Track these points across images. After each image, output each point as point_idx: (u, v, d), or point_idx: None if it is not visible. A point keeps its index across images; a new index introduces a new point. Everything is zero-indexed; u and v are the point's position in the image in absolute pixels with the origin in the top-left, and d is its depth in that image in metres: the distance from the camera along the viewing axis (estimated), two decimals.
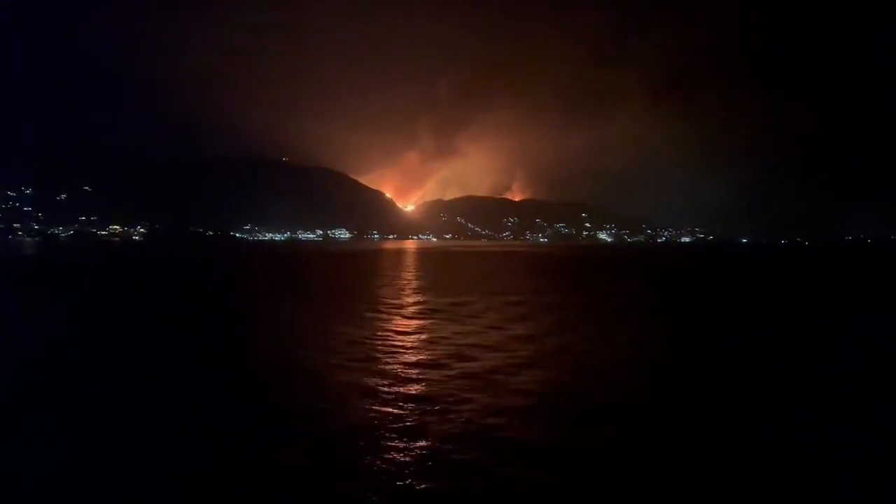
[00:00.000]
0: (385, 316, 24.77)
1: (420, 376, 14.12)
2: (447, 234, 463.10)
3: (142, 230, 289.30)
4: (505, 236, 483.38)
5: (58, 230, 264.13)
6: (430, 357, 16.35)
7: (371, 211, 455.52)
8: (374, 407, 11.55)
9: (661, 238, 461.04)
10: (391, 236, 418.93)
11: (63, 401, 11.93)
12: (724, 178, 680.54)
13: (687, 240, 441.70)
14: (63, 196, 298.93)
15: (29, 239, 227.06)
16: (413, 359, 16.16)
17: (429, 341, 18.86)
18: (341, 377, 13.93)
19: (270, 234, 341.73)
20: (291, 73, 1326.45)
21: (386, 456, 9.10)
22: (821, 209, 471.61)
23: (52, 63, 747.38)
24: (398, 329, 21.28)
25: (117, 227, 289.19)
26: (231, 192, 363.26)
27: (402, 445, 9.53)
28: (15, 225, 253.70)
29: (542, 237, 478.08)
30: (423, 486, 8.14)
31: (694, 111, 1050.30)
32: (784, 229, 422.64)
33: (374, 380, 13.63)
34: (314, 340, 18.96)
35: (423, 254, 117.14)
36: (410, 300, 30.95)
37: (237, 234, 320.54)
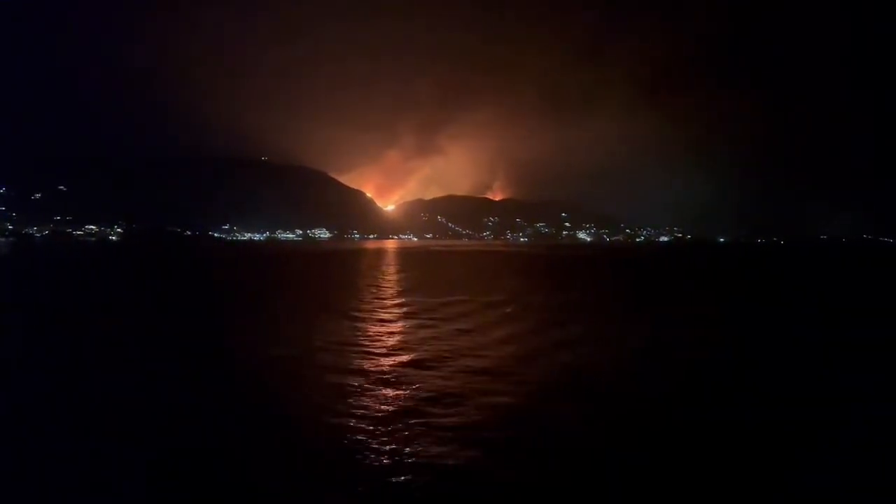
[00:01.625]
0: (341, 319, 25.17)
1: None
2: (428, 234, 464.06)
3: (119, 230, 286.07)
4: (485, 236, 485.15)
5: (32, 230, 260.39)
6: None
7: (351, 210, 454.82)
8: None
9: (639, 238, 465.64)
10: (371, 236, 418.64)
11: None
12: (702, 178, 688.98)
13: (665, 239, 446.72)
14: (38, 195, 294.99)
15: (3, 239, 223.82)
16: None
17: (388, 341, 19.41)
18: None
19: (249, 234, 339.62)
20: (271, 71, 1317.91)
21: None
22: (796, 209, 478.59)
23: (25, 61, 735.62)
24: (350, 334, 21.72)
25: (93, 226, 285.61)
26: (209, 191, 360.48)
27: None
28: None
29: (523, 237, 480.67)
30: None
31: (675, 111, 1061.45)
32: (761, 229, 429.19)
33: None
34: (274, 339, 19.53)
35: (403, 253, 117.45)
36: (377, 302, 31.34)
37: (216, 234, 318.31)
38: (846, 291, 41.45)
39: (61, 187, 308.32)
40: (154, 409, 11.67)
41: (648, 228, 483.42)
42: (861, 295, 38.88)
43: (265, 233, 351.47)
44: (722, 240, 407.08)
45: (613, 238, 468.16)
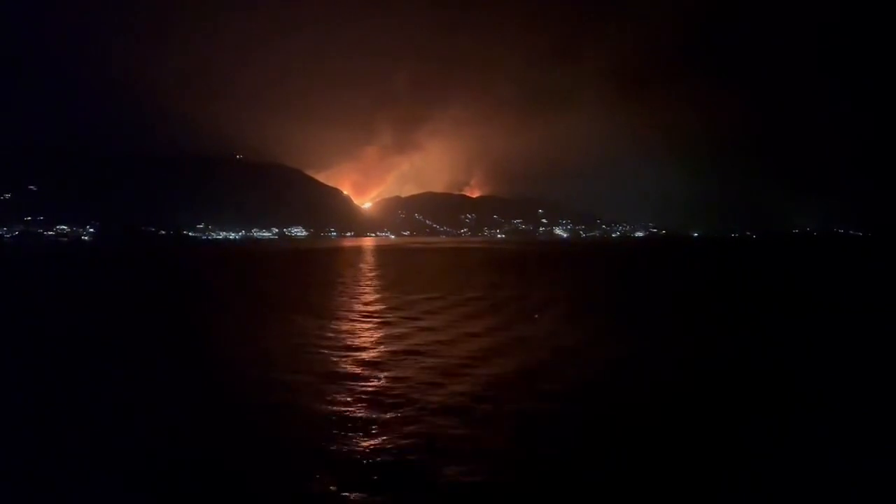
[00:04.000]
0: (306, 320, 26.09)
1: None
2: (405, 231, 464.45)
3: (91, 230, 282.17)
4: (463, 233, 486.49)
5: (2, 231, 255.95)
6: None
7: (328, 208, 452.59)
8: None
9: (615, 233, 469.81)
10: (348, 234, 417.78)
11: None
12: (677, 174, 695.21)
13: (641, 234, 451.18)
14: (7, 195, 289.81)
15: None
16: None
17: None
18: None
19: (225, 233, 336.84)
20: (245, 68, 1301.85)
21: None
22: (768, 204, 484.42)
23: None
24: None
25: (65, 227, 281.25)
26: (183, 190, 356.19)
27: None
28: None
29: (500, 233, 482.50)
30: None
31: (651, 108, 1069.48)
32: (734, 223, 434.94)
33: None
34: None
35: (379, 251, 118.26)
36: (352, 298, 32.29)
37: (190, 234, 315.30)
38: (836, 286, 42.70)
39: (32, 187, 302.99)
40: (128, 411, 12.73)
41: (624, 224, 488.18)
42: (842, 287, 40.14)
43: (241, 231, 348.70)
44: (696, 234, 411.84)
45: (589, 234, 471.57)
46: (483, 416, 11.86)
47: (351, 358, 17.34)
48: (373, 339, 20.33)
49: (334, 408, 12.32)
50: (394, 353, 17.97)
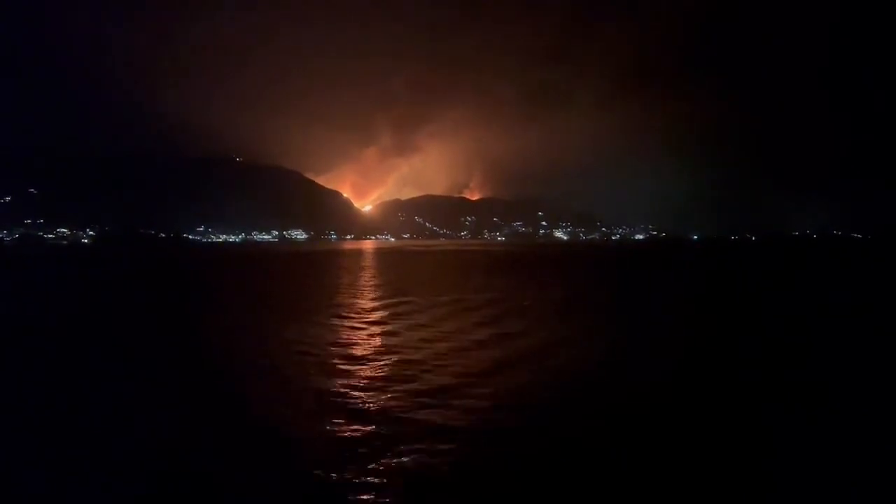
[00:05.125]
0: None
1: None
2: (405, 234, 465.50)
3: (91, 233, 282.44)
4: (463, 235, 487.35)
5: (2, 234, 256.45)
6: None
7: (328, 211, 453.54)
8: None
9: (615, 235, 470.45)
10: (348, 236, 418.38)
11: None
12: (677, 176, 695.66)
13: (640, 237, 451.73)
14: (7, 199, 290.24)
15: None
16: None
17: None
18: None
19: (224, 236, 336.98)
20: (245, 69, 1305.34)
21: None
22: (768, 206, 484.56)
23: None
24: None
25: (65, 229, 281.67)
26: (183, 192, 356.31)
27: None
28: None
29: (500, 236, 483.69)
30: None
31: (649, 109, 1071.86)
32: (733, 226, 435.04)
33: None
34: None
35: (379, 254, 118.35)
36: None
37: (190, 236, 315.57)
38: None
39: (32, 190, 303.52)
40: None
41: (623, 226, 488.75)
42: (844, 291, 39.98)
43: (241, 234, 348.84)
44: (696, 237, 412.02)
45: (589, 236, 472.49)
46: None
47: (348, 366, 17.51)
48: (368, 343, 20.44)
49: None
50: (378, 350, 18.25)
